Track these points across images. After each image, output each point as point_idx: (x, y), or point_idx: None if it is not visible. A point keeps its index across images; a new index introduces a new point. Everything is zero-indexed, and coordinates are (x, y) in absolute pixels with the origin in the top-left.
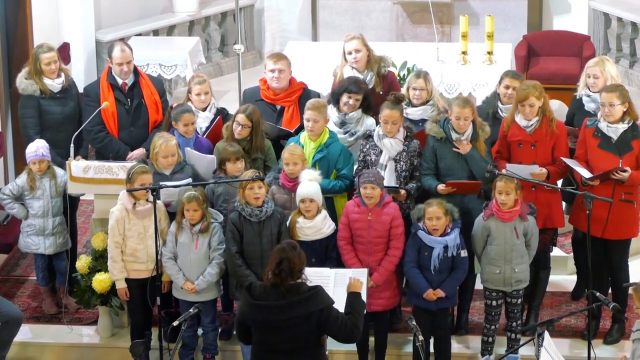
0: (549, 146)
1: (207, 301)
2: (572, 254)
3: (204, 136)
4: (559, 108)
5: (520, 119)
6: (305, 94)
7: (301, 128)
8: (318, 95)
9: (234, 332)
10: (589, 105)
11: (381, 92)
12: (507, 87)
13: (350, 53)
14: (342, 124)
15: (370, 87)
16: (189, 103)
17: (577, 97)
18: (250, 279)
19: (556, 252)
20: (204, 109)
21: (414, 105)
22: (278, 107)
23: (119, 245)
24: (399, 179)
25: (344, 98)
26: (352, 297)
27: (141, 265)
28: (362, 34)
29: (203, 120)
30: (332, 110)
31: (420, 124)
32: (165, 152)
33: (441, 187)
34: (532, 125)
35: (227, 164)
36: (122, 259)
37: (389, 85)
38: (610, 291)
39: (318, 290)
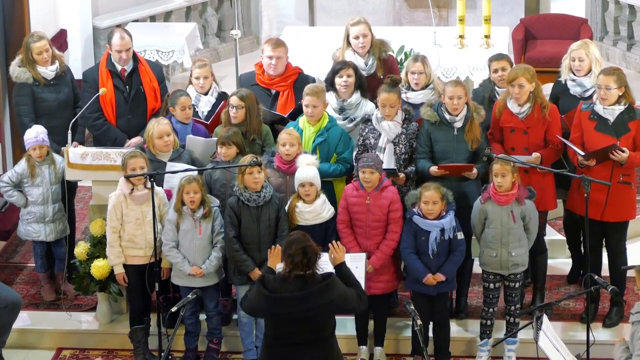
0: (542, 132)
1: (209, 286)
2: None
3: (209, 121)
4: None
5: (512, 105)
6: (300, 79)
7: (295, 112)
8: (314, 80)
9: (233, 317)
10: (575, 90)
11: (382, 76)
12: (496, 71)
13: (357, 38)
14: (341, 110)
15: (372, 71)
16: (190, 87)
17: (562, 81)
18: (248, 264)
19: (555, 235)
20: (205, 93)
21: (414, 90)
22: (273, 91)
23: (117, 231)
24: (398, 162)
25: (337, 80)
26: (341, 269)
27: (139, 251)
28: (365, 18)
29: (205, 104)
30: (330, 97)
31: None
32: (159, 132)
33: (434, 168)
34: (524, 111)
35: (217, 146)
36: (119, 244)
37: (390, 68)
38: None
39: (333, 278)
